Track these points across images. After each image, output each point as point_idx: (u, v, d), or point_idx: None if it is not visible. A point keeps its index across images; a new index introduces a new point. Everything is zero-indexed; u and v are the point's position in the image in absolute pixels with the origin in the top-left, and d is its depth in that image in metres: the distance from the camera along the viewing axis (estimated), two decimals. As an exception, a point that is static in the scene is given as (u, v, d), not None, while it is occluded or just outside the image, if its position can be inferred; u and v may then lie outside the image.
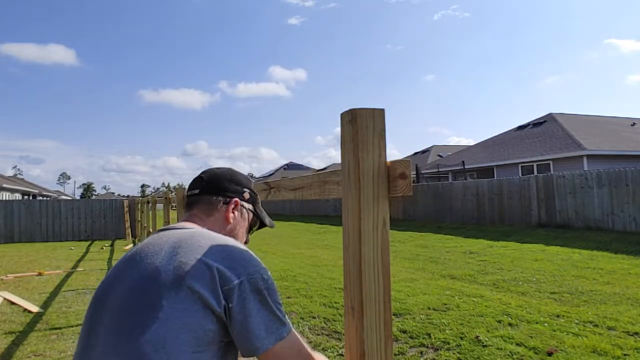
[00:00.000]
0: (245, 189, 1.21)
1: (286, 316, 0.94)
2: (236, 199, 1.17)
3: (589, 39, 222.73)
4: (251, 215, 1.24)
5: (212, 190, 1.16)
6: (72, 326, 4.83)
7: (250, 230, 1.27)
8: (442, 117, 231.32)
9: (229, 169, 1.25)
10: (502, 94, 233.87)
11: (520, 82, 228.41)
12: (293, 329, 0.94)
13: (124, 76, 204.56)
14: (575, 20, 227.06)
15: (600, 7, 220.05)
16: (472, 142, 54.97)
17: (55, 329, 4.77)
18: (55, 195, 55.84)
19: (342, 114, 0.99)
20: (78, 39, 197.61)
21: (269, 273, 0.95)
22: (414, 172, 24.01)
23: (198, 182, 1.19)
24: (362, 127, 0.94)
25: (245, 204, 1.21)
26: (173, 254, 0.92)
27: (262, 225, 1.30)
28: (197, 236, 0.96)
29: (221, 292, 0.86)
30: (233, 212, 1.16)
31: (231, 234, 1.15)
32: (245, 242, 1.22)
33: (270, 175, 52.49)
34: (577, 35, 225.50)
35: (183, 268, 0.88)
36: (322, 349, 3.98)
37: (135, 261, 0.97)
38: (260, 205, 1.29)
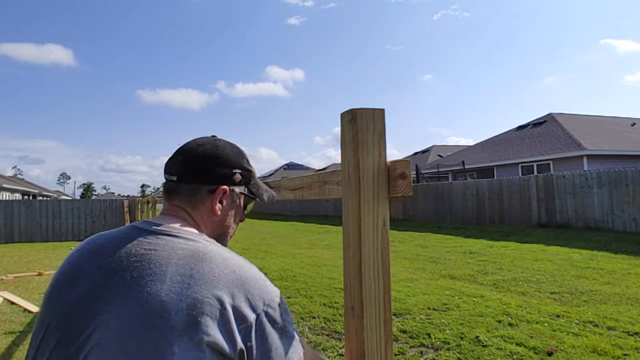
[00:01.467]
0: (235, 170, 0.98)
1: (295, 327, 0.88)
2: (224, 187, 0.95)
3: (585, 39, 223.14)
4: (244, 197, 1.03)
5: (193, 178, 0.94)
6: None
7: (244, 208, 1.07)
8: (441, 117, 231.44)
9: (214, 145, 0.98)
10: (501, 93, 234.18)
11: (519, 82, 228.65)
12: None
13: (122, 76, 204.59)
14: (572, 20, 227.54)
15: (596, 7, 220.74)
16: (471, 142, 55.00)
17: (55, 329, 4.77)
18: (55, 195, 55.86)
19: (342, 114, 0.99)
20: (76, 39, 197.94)
21: (279, 292, 0.86)
22: (414, 172, 24.01)
23: (175, 165, 0.96)
24: (362, 127, 0.94)
25: (236, 189, 0.98)
26: (184, 285, 0.74)
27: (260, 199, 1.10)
28: (208, 261, 0.79)
29: (237, 333, 0.75)
30: (220, 203, 0.95)
31: (220, 225, 0.98)
32: (241, 221, 1.07)
33: (270, 175, 52.51)
34: (574, 36, 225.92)
35: (198, 308, 0.73)
36: (322, 349, 3.98)
37: (125, 280, 0.76)
38: (256, 180, 1.07)
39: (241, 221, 1.06)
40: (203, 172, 0.94)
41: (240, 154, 1.02)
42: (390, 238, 0.98)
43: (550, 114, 22.80)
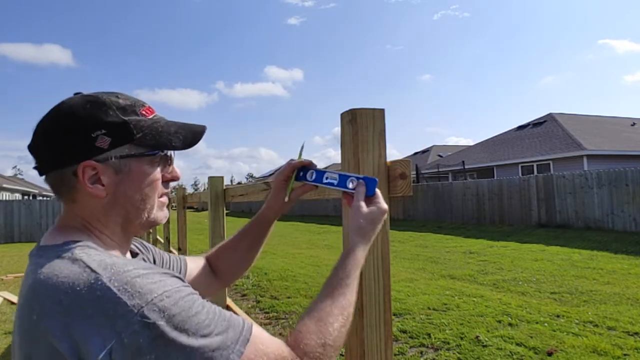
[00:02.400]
0: (96, 133, 0.68)
1: (234, 343, 0.58)
2: (85, 162, 0.67)
3: (583, 39, 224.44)
4: (143, 158, 0.72)
5: (48, 163, 0.69)
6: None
7: (163, 164, 0.76)
8: (440, 117, 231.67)
9: (55, 110, 0.70)
10: (500, 93, 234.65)
11: (517, 82, 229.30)
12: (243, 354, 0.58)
13: (120, 76, 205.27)
14: (570, 21, 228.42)
15: (594, 8, 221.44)
16: (470, 142, 55.01)
17: (55, 329, 4.77)
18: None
19: (342, 114, 0.99)
20: (74, 39, 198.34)
21: (162, 299, 0.56)
22: (414, 172, 24.01)
23: (33, 157, 0.72)
24: (362, 127, 0.94)
25: (112, 154, 0.69)
26: (20, 341, 0.61)
27: (178, 147, 0.75)
28: (33, 297, 0.59)
29: None
30: (98, 182, 0.69)
31: (115, 205, 0.71)
32: (172, 180, 0.79)
33: (271, 174, 52.53)
34: (572, 36, 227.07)
35: None
36: (322, 349, 3.99)
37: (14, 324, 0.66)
38: (152, 128, 0.73)
39: (172, 180, 0.79)
40: (52, 152, 0.68)
41: (99, 106, 0.70)
42: (390, 238, 0.98)
43: (550, 114, 22.79)
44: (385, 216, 0.83)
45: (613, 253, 8.42)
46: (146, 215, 0.74)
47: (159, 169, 0.75)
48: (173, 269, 0.95)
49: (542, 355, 3.66)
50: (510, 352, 3.74)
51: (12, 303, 6.01)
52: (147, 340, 0.53)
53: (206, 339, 0.56)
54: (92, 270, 0.58)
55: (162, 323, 0.54)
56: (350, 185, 0.86)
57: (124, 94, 0.75)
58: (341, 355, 3.76)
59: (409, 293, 5.83)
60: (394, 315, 4.81)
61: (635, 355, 3.60)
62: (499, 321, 4.54)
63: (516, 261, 8.07)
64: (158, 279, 0.59)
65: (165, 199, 0.79)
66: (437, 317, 4.75)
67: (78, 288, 0.56)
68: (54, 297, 0.56)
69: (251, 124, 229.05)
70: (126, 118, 0.70)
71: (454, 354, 3.76)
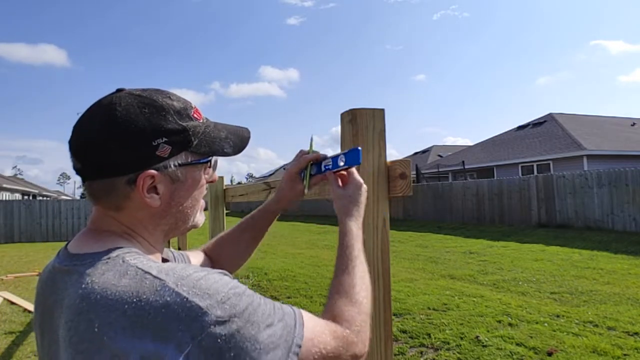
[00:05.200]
0: (157, 141, 0.65)
1: (287, 328, 0.60)
2: (148, 172, 0.65)
3: (575, 40, 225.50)
4: (197, 165, 0.71)
5: (97, 172, 0.65)
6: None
7: (212, 168, 0.77)
8: (438, 116, 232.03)
9: (108, 115, 0.64)
10: (496, 94, 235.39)
11: (513, 83, 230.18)
12: (300, 330, 0.61)
13: (115, 77, 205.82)
14: (561, 22, 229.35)
15: (585, 9, 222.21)
16: (467, 142, 55.01)
17: (55, 329, 4.77)
18: (55, 195, 55.84)
19: (342, 114, 0.99)
20: (69, 39, 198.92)
21: (230, 296, 0.56)
22: (414, 172, 24.00)
23: (73, 159, 0.67)
24: (362, 127, 0.94)
25: (170, 163, 0.67)
26: (71, 352, 0.56)
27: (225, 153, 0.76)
28: (86, 311, 0.56)
29: None
30: (154, 192, 0.67)
31: (165, 215, 0.70)
32: (211, 182, 0.80)
33: (270, 175, 52.50)
34: (564, 37, 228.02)
35: None
36: (322, 349, 3.99)
37: (38, 338, 0.68)
38: (205, 131, 0.73)
39: (211, 182, 0.78)
40: (108, 160, 0.64)
41: (158, 111, 0.66)
42: (390, 238, 0.98)
43: (550, 114, 22.77)
44: (364, 188, 0.87)
45: (613, 253, 8.42)
46: (191, 221, 0.75)
47: (204, 174, 0.75)
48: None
49: (542, 355, 3.66)
50: (510, 352, 3.74)
51: (12, 303, 6.00)
52: (225, 339, 0.53)
53: (271, 328, 0.58)
54: (154, 277, 0.56)
55: (235, 319, 0.55)
56: (341, 163, 0.89)
57: (172, 93, 0.72)
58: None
59: (409, 293, 5.83)
60: (394, 315, 4.80)
61: (635, 355, 3.60)
62: (499, 321, 4.54)
63: (516, 261, 8.06)
64: (218, 277, 0.59)
65: (203, 203, 0.78)
66: (437, 317, 4.75)
67: (144, 296, 0.54)
68: (116, 308, 0.54)
69: (249, 124, 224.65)
70: (184, 124, 0.68)
71: (454, 354, 3.76)
